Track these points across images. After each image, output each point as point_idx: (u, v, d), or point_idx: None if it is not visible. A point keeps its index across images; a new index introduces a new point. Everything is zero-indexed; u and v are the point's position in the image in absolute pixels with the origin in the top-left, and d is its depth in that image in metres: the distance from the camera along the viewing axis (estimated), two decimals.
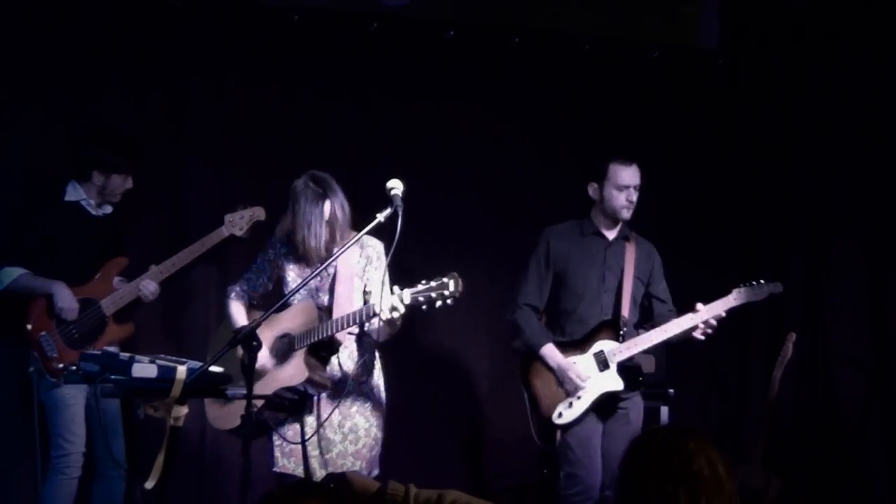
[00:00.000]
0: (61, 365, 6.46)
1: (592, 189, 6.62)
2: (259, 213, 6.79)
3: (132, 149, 6.82)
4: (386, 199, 5.53)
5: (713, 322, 6.43)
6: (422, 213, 5.69)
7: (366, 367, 6.04)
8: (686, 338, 6.50)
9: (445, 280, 5.49)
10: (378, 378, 6.12)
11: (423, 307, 5.53)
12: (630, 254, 6.64)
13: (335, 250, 5.86)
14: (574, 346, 6.52)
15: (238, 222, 6.75)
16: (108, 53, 7.38)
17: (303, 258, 6.02)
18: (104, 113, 7.23)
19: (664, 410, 7.40)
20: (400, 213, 5.43)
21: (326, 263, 5.73)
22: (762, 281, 6.56)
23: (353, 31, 7.88)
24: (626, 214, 6.60)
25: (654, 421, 7.27)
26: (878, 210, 7.22)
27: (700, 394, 8.15)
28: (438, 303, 5.51)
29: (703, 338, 6.49)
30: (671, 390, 7.43)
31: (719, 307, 6.45)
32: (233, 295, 6.18)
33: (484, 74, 8.11)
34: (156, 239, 7.28)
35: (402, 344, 6.72)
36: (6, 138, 7.13)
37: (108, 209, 6.84)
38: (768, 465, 7.14)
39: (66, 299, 6.55)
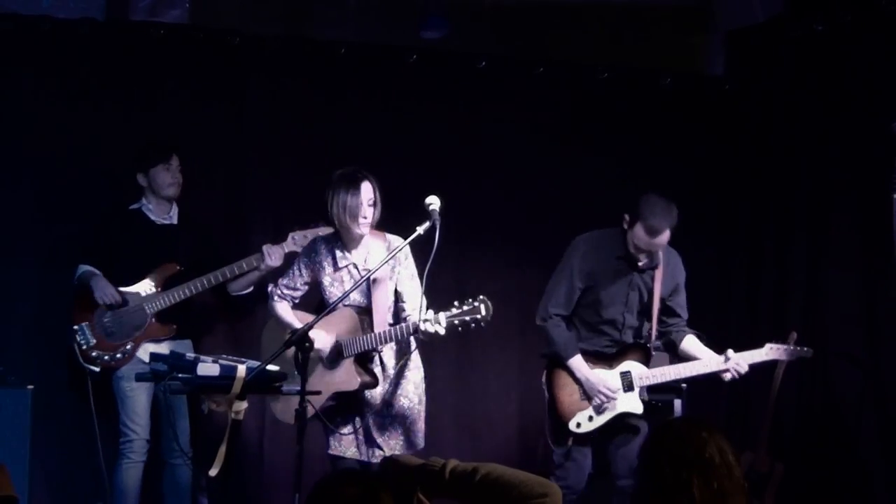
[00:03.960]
0: (95, 353, 6.53)
1: (625, 220, 6.15)
2: (324, 230, 6.49)
3: (156, 143, 6.80)
4: (424, 214, 5.54)
5: (741, 370, 6.25)
6: (457, 225, 5.68)
7: (402, 350, 6.03)
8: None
9: (476, 304, 5.51)
10: (416, 360, 6.10)
11: (459, 329, 5.53)
12: (658, 279, 6.30)
13: (368, 230, 5.91)
14: (601, 359, 6.30)
15: (300, 240, 6.64)
16: (177, 83, 7.43)
17: (332, 259, 5.99)
18: (181, 135, 7.20)
19: (678, 403, 7.32)
20: (438, 226, 5.44)
21: (368, 275, 5.70)
22: (797, 347, 6.50)
23: (394, 61, 7.87)
24: (643, 260, 6.25)
25: (669, 413, 7.21)
26: (872, 223, 7.15)
27: (710, 388, 8.07)
28: (472, 325, 5.51)
29: (728, 379, 6.32)
30: (684, 384, 7.36)
31: (749, 358, 6.29)
32: (276, 297, 6.16)
33: (512, 100, 8.08)
34: (218, 249, 7.28)
35: (436, 351, 6.72)
36: (80, 152, 7.16)
37: (173, 219, 6.82)
38: (772, 452, 7.08)
39: (101, 288, 6.53)
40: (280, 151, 7.62)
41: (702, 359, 6.34)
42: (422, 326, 5.52)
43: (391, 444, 5.90)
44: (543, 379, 6.40)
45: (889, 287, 7.07)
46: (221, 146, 7.44)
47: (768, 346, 6.42)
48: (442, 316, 5.49)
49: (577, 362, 6.23)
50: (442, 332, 5.50)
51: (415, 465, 3.29)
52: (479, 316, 5.48)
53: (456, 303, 5.51)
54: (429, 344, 5.89)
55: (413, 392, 6.02)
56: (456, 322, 5.50)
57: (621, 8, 8.37)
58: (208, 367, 5.14)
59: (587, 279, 6.27)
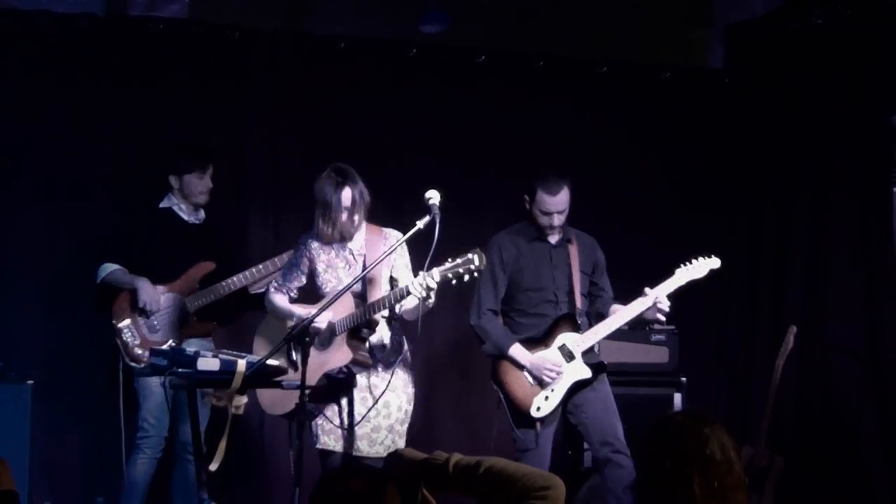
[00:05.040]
0: (141, 351, 6.53)
1: (526, 201, 6.46)
2: None
3: (196, 149, 6.86)
4: (424, 208, 5.52)
5: (665, 302, 6.27)
6: (456, 219, 5.66)
7: (395, 348, 6.03)
8: (642, 319, 6.43)
9: (470, 256, 5.48)
10: (406, 356, 6.09)
11: (453, 282, 5.50)
12: (574, 253, 6.49)
13: (354, 233, 5.91)
14: (536, 342, 6.37)
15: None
16: (176, 78, 7.45)
17: (329, 246, 5.98)
18: (181, 130, 7.27)
19: (677, 397, 7.34)
20: (437, 220, 5.42)
21: (371, 267, 5.69)
22: (701, 258, 6.42)
23: (394, 56, 7.86)
24: (551, 234, 6.47)
25: (668, 407, 7.21)
26: (872, 217, 7.14)
27: (710, 381, 8.09)
28: (466, 276, 5.48)
29: (663, 318, 6.37)
30: (683, 378, 7.38)
31: (666, 288, 6.32)
32: (272, 289, 6.15)
33: (512, 94, 8.08)
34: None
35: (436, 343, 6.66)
36: (107, 151, 7.22)
37: (202, 215, 6.87)
38: (772, 446, 7.07)
39: (148, 293, 6.58)
40: (280, 145, 7.62)
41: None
42: (412, 285, 5.50)
43: (374, 438, 5.90)
44: (492, 380, 6.44)
45: (889, 282, 7.06)
46: (221, 141, 7.43)
47: (678, 270, 6.40)
48: (435, 271, 5.47)
49: (517, 350, 6.34)
50: (434, 285, 5.48)
51: (419, 459, 3.30)
52: (472, 266, 5.45)
53: (450, 258, 5.50)
54: (425, 315, 5.85)
55: (402, 389, 6.01)
56: (450, 275, 5.47)
57: (621, 2, 8.35)
58: (208, 362, 5.13)
59: (509, 267, 6.46)
